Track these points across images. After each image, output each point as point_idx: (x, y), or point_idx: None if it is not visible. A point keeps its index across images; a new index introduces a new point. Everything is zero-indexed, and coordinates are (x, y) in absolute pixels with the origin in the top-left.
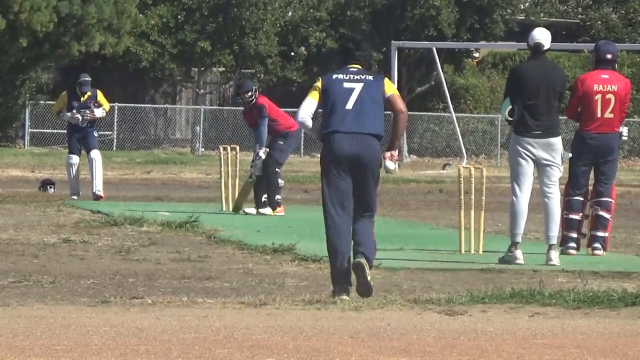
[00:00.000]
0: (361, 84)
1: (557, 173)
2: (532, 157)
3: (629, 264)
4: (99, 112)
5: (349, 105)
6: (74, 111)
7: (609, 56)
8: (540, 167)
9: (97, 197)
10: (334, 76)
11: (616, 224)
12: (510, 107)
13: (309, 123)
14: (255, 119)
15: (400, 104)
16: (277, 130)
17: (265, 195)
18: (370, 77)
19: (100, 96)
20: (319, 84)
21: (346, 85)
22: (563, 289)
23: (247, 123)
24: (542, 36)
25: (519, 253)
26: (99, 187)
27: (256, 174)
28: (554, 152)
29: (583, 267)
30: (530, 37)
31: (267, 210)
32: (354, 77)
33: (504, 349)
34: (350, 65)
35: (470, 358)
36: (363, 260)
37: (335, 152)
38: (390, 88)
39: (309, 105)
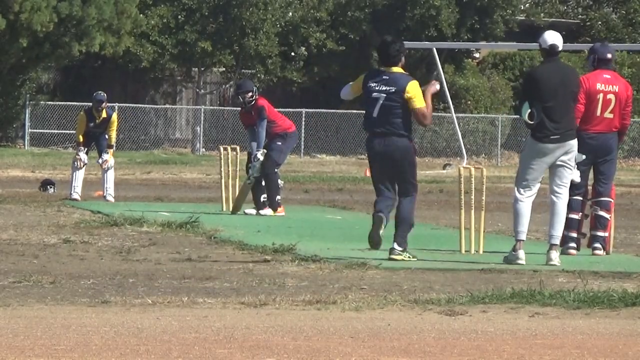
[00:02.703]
0: (384, 95)
1: (569, 174)
2: (547, 163)
3: (629, 264)
4: (108, 156)
5: (375, 113)
6: (85, 153)
7: (609, 55)
8: (553, 167)
9: (108, 199)
10: (369, 83)
11: (616, 224)
12: (530, 110)
13: (347, 98)
14: (254, 120)
15: (421, 118)
16: (274, 131)
17: (265, 196)
18: (393, 89)
19: (113, 120)
20: (361, 79)
21: (374, 95)
22: (563, 289)
23: (243, 123)
24: (555, 38)
25: (521, 253)
26: (110, 192)
27: (254, 176)
28: (570, 154)
29: (583, 267)
30: (542, 40)
31: (268, 212)
32: (382, 87)
33: (504, 349)
34: (385, 68)
35: (470, 358)
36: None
37: (370, 150)
38: (415, 98)
39: (348, 90)
